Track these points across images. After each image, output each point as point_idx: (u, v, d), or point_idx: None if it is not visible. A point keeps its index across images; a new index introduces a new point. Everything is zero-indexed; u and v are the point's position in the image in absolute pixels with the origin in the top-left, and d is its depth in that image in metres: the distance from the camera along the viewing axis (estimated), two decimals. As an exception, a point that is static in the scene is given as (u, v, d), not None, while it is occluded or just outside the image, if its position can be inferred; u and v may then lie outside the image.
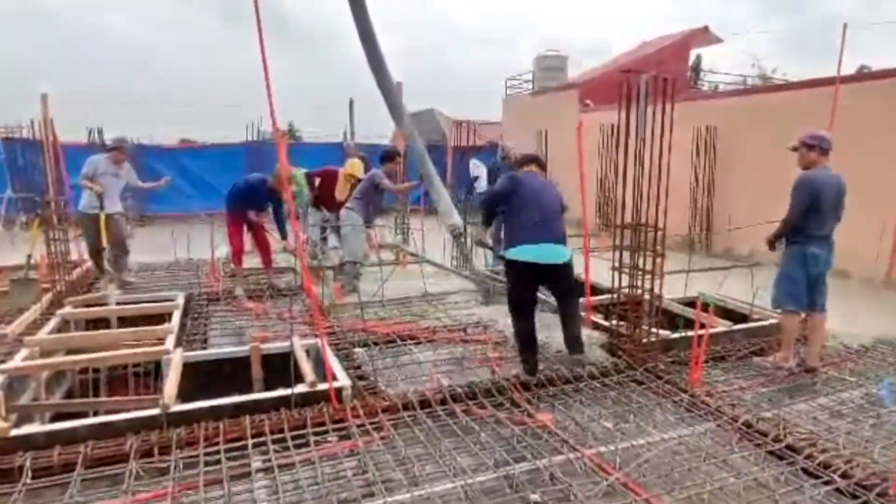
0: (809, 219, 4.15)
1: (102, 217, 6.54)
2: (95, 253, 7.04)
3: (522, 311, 4.23)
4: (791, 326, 4.39)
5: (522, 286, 4.21)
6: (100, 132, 8.13)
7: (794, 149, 4.32)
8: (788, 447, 3.10)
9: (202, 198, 12.40)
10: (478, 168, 9.48)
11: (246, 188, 6.79)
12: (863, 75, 9.78)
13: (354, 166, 7.86)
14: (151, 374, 4.98)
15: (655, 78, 4.30)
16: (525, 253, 4.00)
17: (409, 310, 6.06)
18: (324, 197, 8.03)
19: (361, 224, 6.67)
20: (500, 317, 5.79)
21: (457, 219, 6.34)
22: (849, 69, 5.35)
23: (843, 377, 4.25)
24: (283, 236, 7.07)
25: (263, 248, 7.10)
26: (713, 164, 10.17)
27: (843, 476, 2.81)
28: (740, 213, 8.81)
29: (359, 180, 7.34)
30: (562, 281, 4.23)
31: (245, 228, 6.89)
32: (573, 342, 4.24)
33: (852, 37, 5.12)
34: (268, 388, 4.19)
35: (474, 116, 12.94)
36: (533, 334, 4.22)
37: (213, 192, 12.85)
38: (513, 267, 4.12)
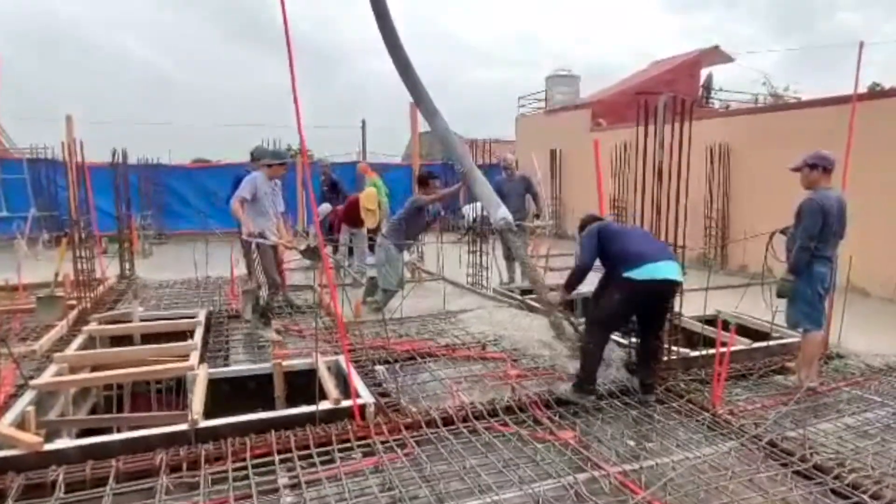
0: (817, 240, 4.17)
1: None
2: (275, 287, 5.93)
3: (610, 333, 4.22)
4: (812, 345, 4.38)
5: (630, 308, 4.09)
6: (124, 153, 8.27)
7: (797, 169, 4.33)
8: (816, 467, 3.08)
9: (219, 215, 12.51)
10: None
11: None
12: (879, 93, 9.79)
13: (369, 197, 8.44)
14: (173, 390, 5.03)
15: (675, 99, 4.36)
16: (652, 271, 3.88)
17: (426, 327, 6.09)
18: (351, 219, 8.70)
19: (395, 254, 6.67)
20: (517, 333, 5.80)
21: (504, 212, 5.87)
22: (860, 86, 5.35)
23: (867, 396, 4.22)
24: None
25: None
26: (727, 181, 10.18)
27: (874, 497, 2.79)
28: (756, 230, 8.78)
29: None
30: (668, 303, 4.22)
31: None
32: (648, 387, 4.17)
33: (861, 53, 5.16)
34: (289, 404, 4.22)
35: (481, 135, 13.08)
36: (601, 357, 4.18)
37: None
38: (629, 287, 3.92)
